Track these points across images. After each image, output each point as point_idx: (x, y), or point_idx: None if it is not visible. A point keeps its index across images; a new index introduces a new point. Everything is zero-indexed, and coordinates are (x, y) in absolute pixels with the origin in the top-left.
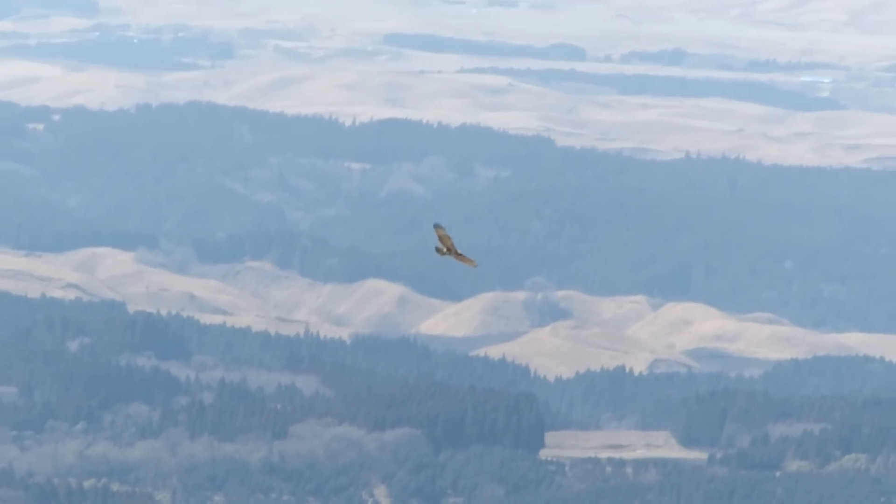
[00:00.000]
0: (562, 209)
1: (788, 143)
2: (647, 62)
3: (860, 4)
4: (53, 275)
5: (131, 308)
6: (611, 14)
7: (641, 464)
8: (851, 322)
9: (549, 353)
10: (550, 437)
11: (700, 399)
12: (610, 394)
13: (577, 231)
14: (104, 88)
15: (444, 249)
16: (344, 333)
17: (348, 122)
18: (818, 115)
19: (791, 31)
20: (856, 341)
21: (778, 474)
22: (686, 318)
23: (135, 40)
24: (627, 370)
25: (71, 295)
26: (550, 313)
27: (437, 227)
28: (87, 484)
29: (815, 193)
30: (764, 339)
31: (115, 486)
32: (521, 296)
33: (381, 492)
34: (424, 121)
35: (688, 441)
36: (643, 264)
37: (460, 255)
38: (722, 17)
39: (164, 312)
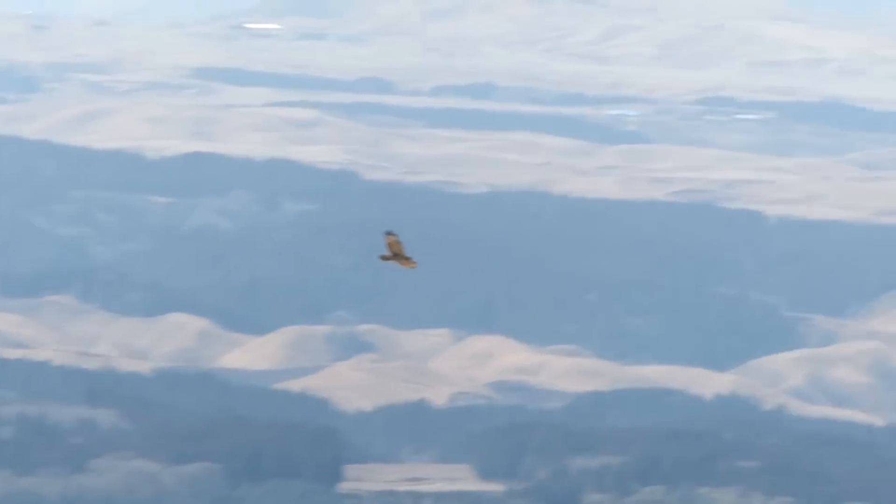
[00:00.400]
0: (367, 242)
1: (595, 176)
2: (456, 95)
3: (669, 39)
4: None
5: None
6: (420, 48)
7: (440, 497)
8: (653, 354)
9: (351, 387)
10: (350, 470)
11: (500, 432)
12: (410, 427)
13: (381, 264)
14: None
15: (390, 255)
16: (145, 367)
17: (153, 156)
18: (625, 149)
19: (600, 65)
20: (657, 374)
21: None
22: (488, 351)
23: None
24: (428, 403)
25: None
26: (353, 347)
27: (389, 234)
28: None
29: (619, 226)
30: (565, 372)
31: None
32: (323, 329)
33: None
34: (231, 155)
35: (487, 474)
36: (447, 297)
37: (406, 259)
38: (531, 51)
39: None
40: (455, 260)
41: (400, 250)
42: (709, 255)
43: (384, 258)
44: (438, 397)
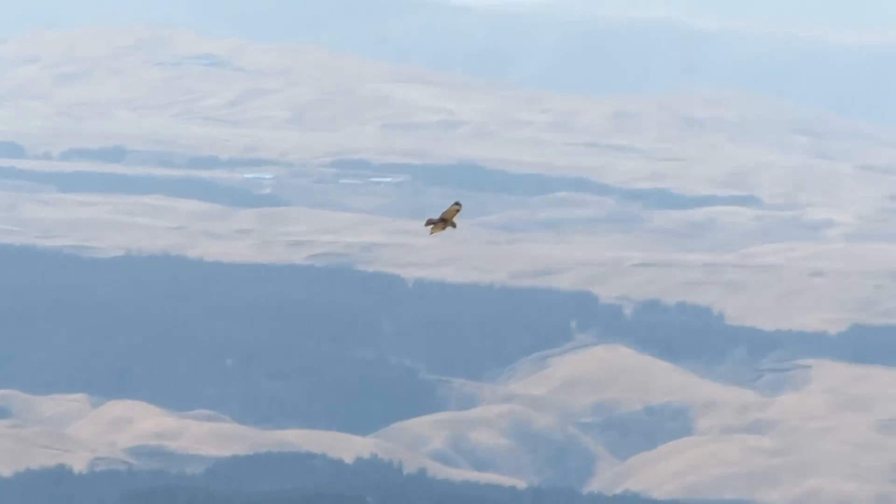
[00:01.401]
0: (1, 308)
1: (230, 239)
2: (88, 159)
3: (302, 102)
4: None
5: None
6: (51, 111)
7: None
8: (294, 419)
9: None
10: None
11: (140, 496)
12: (50, 493)
13: (15, 330)
14: None
15: (439, 220)
16: None
17: None
18: (260, 212)
19: (234, 128)
20: (298, 438)
21: None
22: (127, 416)
23: None
24: (68, 469)
25: None
26: None
27: (457, 203)
28: None
29: (256, 290)
30: (206, 436)
31: None
32: None
33: None
34: None
35: None
36: (84, 362)
37: (452, 224)
38: (163, 115)
39: None
40: (91, 325)
41: (452, 216)
42: (347, 318)
43: (430, 221)
44: (78, 462)
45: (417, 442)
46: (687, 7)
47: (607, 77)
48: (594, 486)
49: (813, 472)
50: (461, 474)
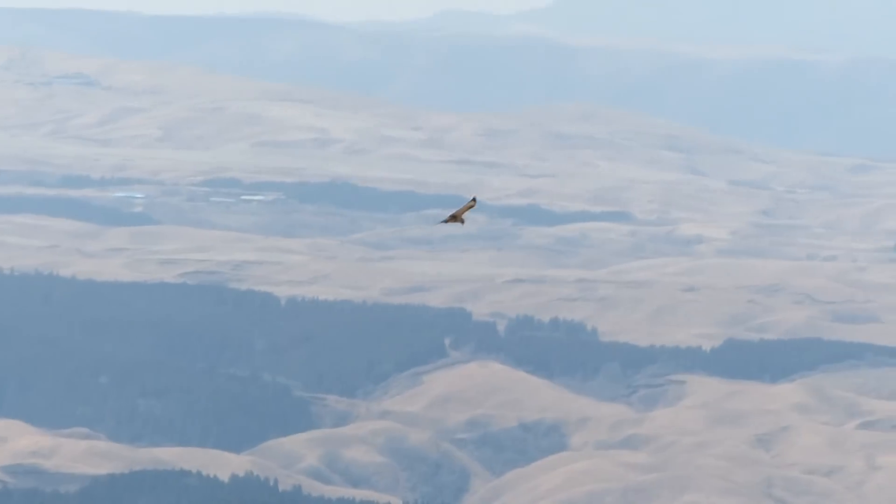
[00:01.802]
0: None
1: (102, 258)
2: None
3: (173, 120)
4: None
5: None
6: None
7: None
8: (168, 436)
9: None
10: None
11: None
12: None
13: None
14: None
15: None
16: None
17: None
18: (132, 230)
19: (104, 147)
20: (173, 455)
21: None
22: (1, 435)
23: None
24: None
25: None
26: None
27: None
28: None
29: (129, 309)
30: (80, 455)
31: None
32: None
33: None
34: None
35: None
36: None
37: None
38: (34, 134)
39: None
40: None
41: (463, 212)
42: (220, 336)
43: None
44: None
45: (292, 459)
46: (558, 24)
47: (479, 94)
48: (469, 502)
49: (688, 487)
50: (336, 491)
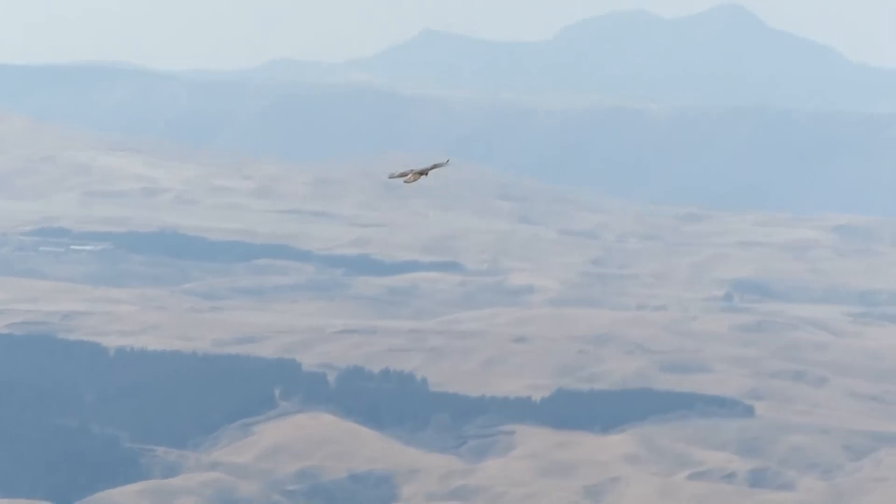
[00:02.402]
0: None
1: None
2: None
3: (3, 171)
4: None
5: None
6: None
7: None
8: None
9: None
10: None
11: None
12: None
13: None
14: None
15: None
16: None
17: None
18: None
19: None
20: None
21: None
22: None
23: None
24: None
25: None
26: None
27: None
28: None
29: None
30: None
31: None
32: None
33: None
34: None
35: None
36: None
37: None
38: None
39: None
40: None
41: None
42: (48, 387)
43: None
44: None
45: None
46: (389, 73)
47: (310, 143)
48: None
49: None
50: None
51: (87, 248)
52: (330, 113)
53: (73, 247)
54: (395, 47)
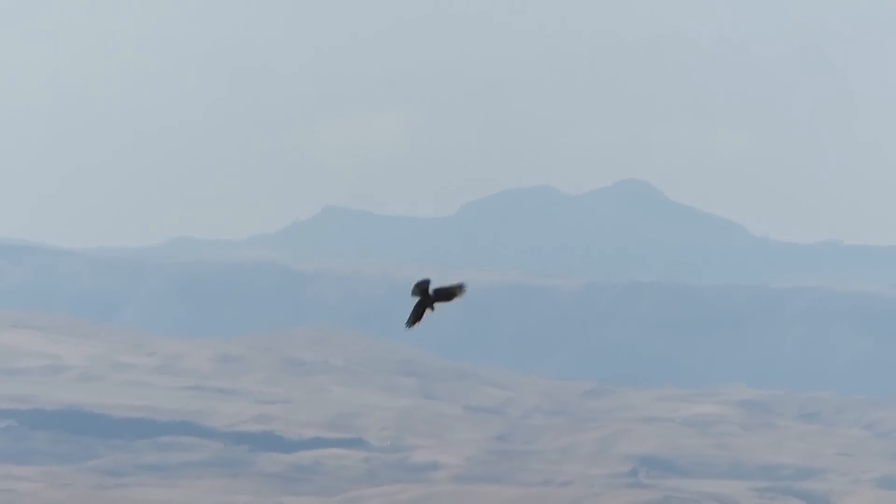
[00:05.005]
0: None
1: None
2: None
3: None
4: None
5: None
6: None
7: None
8: None
9: None
10: None
11: None
12: None
13: None
14: None
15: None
16: None
17: None
18: None
19: None
20: None
21: None
22: None
23: None
24: None
25: None
26: None
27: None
28: None
29: None
30: None
31: None
32: None
33: None
34: None
35: None
36: None
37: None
38: None
39: None
40: None
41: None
42: None
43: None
44: None
45: None
46: (290, 249)
47: (213, 320)
48: None
49: None
50: None
51: None
52: (232, 289)
53: None
54: (297, 224)
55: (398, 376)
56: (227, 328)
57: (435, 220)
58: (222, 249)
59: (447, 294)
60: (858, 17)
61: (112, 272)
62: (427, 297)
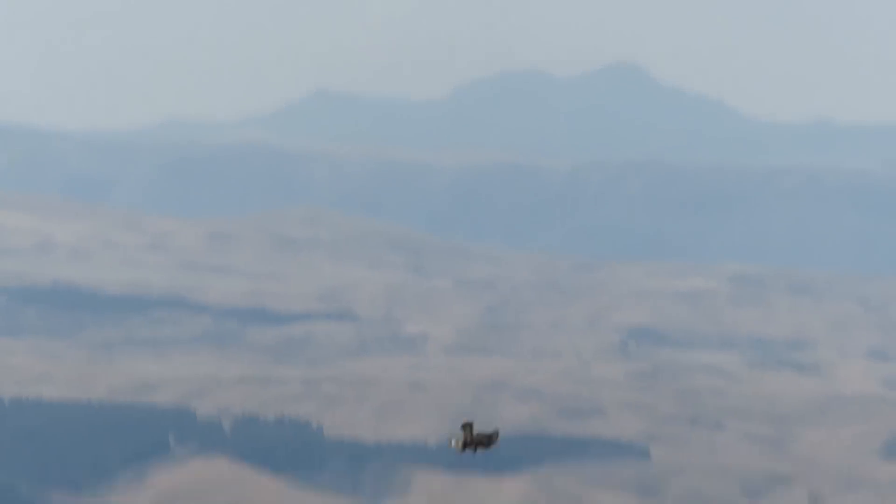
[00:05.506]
0: None
1: None
2: None
3: None
4: None
5: None
6: None
7: None
8: None
9: None
10: None
11: None
12: None
13: None
14: None
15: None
16: None
17: None
18: None
19: None
20: None
21: None
22: None
23: None
24: None
25: None
26: None
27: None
28: None
29: None
30: None
31: None
32: None
33: None
34: None
35: None
36: None
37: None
38: None
39: None
40: None
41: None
42: None
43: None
44: None
45: None
46: (281, 131)
47: (205, 201)
48: None
49: None
50: None
51: None
52: (223, 171)
53: None
54: (288, 107)
55: (389, 254)
56: (218, 208)
57: (426, 102)
58: (214, 131)
59: (488, 440)
60: None
61: (102, 154)
62: (471, 442)
